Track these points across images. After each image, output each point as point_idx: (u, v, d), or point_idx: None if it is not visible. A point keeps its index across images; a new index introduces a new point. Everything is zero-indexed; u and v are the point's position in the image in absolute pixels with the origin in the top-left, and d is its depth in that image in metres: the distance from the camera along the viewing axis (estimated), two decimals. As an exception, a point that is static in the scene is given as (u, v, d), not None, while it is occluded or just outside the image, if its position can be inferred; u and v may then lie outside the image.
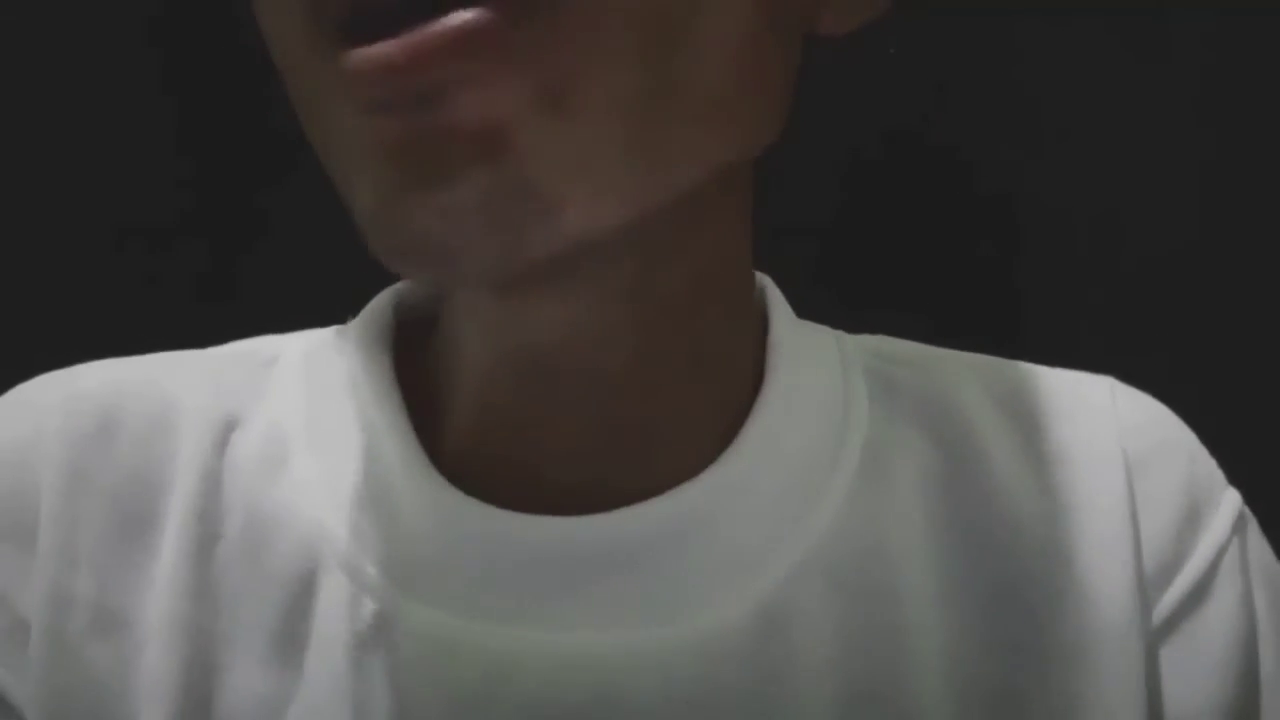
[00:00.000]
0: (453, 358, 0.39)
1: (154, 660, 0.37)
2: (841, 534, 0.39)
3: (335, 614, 0.37)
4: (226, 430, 0.40)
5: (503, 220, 0.29)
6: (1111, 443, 0.42)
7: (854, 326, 0.47)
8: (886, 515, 0.40)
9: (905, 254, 0.80)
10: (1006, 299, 0.81)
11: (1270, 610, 0.42)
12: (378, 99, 0.29)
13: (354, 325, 0.41)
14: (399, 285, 0.43)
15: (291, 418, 0.40)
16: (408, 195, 0.29)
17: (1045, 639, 0.39)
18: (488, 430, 0.38)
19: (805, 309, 0.45)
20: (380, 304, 0.42)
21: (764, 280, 0.43)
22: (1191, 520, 0.41)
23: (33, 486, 0.39)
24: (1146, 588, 0.40)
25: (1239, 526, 0.42)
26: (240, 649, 0.37)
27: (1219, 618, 0.41)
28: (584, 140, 0.29)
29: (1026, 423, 0.42)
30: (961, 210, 0.80)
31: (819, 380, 0.41)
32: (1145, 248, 0.80)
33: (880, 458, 0.41)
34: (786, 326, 0.41)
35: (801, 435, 0.40)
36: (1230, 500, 0.43)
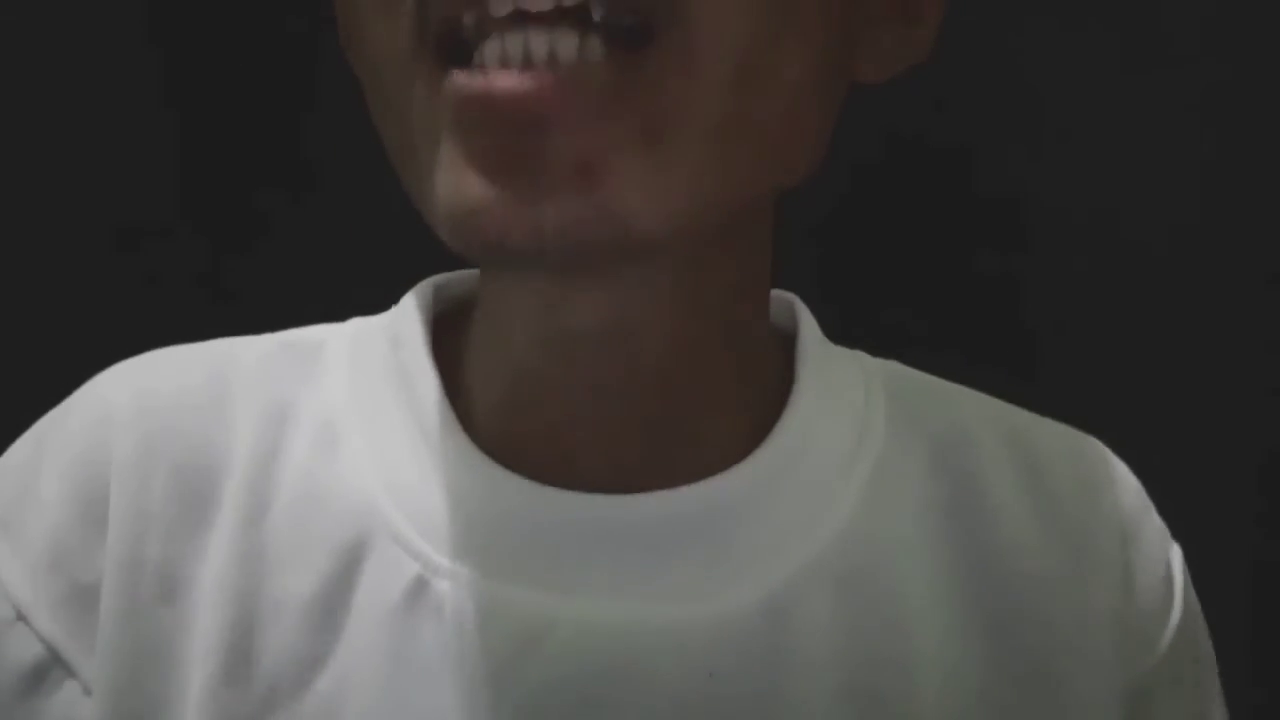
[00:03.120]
0: (493, 339, 0.41)
1: (204, 624, 0.40)
2: (851, 542, 0.41)
3: (379, 579, 0.40)
4: (280, 415, 0.42)
5: (586, 238, 0.32)
6: (1110, 500, 0.45)
7: (853, 327, 0.47)
8: (893, 529, 0.42)
9: (906, 255, 0.80)
10: (1006, 300, 0.81)
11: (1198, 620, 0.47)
12: (480, 125, 0.31)
13: (395, 310, 0.44)
14: (439, 276, 0.45)
15: (340, 400, 0.43)
16: (497, 205, 0.32)
17: (1035, 664, 0.42)
18: (525, 410, 0.40)
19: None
20: (422, 290, 0.45)
21: (793, 298, 0.46)
22: (1167, 581, 0.46)
23: (103, 462, 0.41)
24: (1133, 633, 0.44)
25: (1186, 577, 0.47)
26: (284, 611, 0.40)
27: (1196, 658, 0.46)
28: (668, 169, 0.32)
29: (1033, 470, 0.45)
30: (962, 211, 0.80)
31: (842, 397, 0.44)
32: (1146, 248, 0.80)
33: (891, 477, 0.43)
34: (815, 341, 0.44)
35: (824, 442, 0.42)
36: (1178, 555, 0.47)
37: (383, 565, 0.40)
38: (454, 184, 0.32)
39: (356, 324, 0.46)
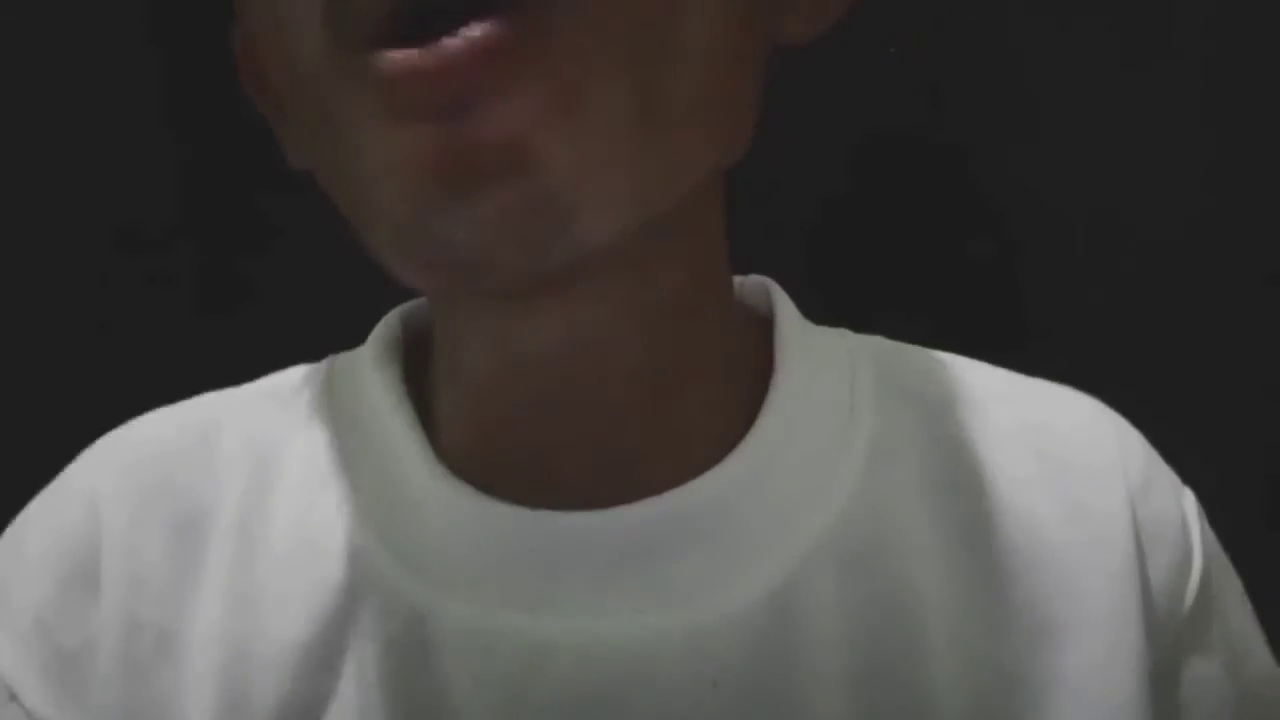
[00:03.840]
0: (454, 365, 0.40)
1: (198, 673, 0.39)
2: (850, 523, 0.41)
3: (374, 619, 0.39)
4: (266, 462, 0.43)
5: (526, 231, 0.31)
6: (1114, 459, 0.44)
7: (850, 327, 0.47)
8: (892, 507, 0.41)
9: (902, 254, 0.80)
10: (1005, 299, 0.81)
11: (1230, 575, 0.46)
12: (409, 105, 0.30)
13: (365, 347, 0.44)
14: (405, 305, 0.45)
15: (321, 444, 0.43)
16: (436, 208, 0.30)
17: (1047, 634, 0.41)
18: (497, 435, 0.40)
19: (800, 309, 0.45)
20: (389, 323, 0.44)
21: (768, 282, 0.45)
22: (1183, 532, 0.44)
23: (94, 535, 0.42)
24: (1156, 597, 0.42)
25: (1203, 521, 0.45)
26: (279, 657, 0.39)
27: (1224, 603, 0.44)
28: (593, 147, 0.31)
29: (1030, 431, 0.44)
30: (959, 210, 0.80)
31: (827, 376, 0.43)
32: (1144, 247, 0.80)
33: (886, 453, 0.42)
34: (793, 323, 0.43)
35: (811, 429, 0.41)
36: (1191, 501, 0.46)
37: (376, 605, 0.39)
38: (396, 203, 0.31)
39: (331, 362, 0.46)
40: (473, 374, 0.40)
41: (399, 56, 0.29)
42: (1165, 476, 0.45)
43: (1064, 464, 0.43)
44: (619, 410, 0.39)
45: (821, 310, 0.46)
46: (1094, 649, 0.41)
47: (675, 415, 0.40)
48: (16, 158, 0.79)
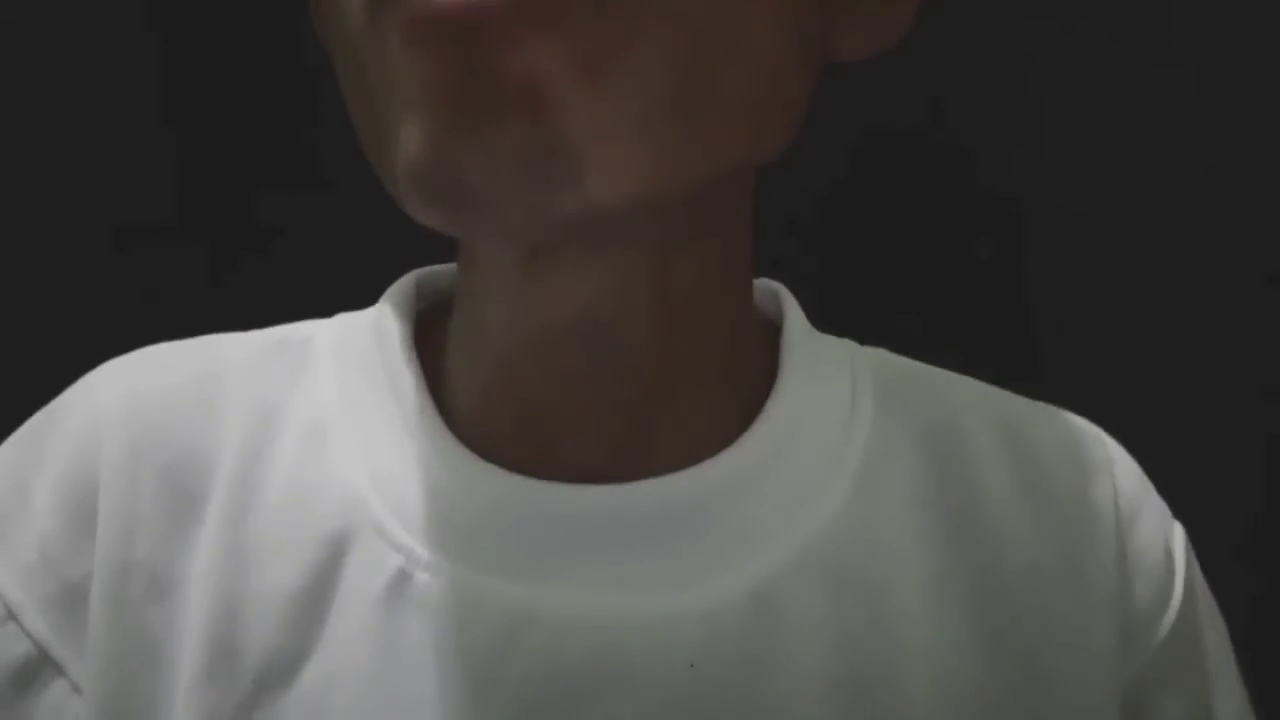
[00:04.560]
0: (473, 329, 0.41)
1: (191, 619, 0.40)
2: (839, 531, 0.41)
3: (362, 572, 0.40)
4: (268, 412, 0.43)
5: (535, 171, 0.31)
6: (1106, 489, 0.44)
7: (852, 327, 0.47)
8: (882, 518, 0.42)
9: (904, 254, 0.80)
10: (1007, 299, 0.81)
11: (1217, 625, 0.46)
12: (433, 34, 0.30)
13: (379, 304, 0.44)
14: (421, 270, 0.46)
15: (327, 398, 0.43)
16: (451, 138, 0.31)
17: (1026, 655, 0.41)
18: (505, 401, 0.40)
19: (803, 309, 0.45)
20: (403, 283, 0.45)
21: (777, 286, 0.46)
22: (1166, 565, 0.45)
23: (92, 465, 0.42)
24: (1135, 625, 0.43)
25: (1189, 556, 0.46)
26: (268, 605, 0.40)
27: (1200, 640, 0.45)
28: (613, 113, 0.31)
29: (1024, 458, 0.44)
30: (961, 211, 0.80)
31: (829, 381, 0.43)
32: (1146, 248, 0.80)
33: (880, 465, 0.43)
34: (801, 329, 0.44)
35: (811, 431, 0.42)
36: (1180, 535, 0.46)
37: (366, 558, 0.40)
38: (414, 126, 0.32)
39: (343, 319, 0.46)
40: (490, 337, 0.40)
41: (429, 3, 0.30)
42: (1155, 509, 0.45)
43: (1055, 494, 0.44)
44: (625, 389, 0.39)
45: (822, 309, 0.46)
46: (1071, 678, 0.41)
47: (681, 402, 0.40)
48: (16, 158, 0.79)
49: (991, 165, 0.79)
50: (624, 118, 0.31)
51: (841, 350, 0.45)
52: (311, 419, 0.42)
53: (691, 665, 0.39)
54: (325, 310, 0.47)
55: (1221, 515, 0.68)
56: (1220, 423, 0.79)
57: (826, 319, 0.46)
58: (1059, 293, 0.80)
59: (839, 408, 0.43)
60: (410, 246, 0.44)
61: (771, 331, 0.44)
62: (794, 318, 0.44)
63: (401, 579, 0.39)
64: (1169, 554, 0.45)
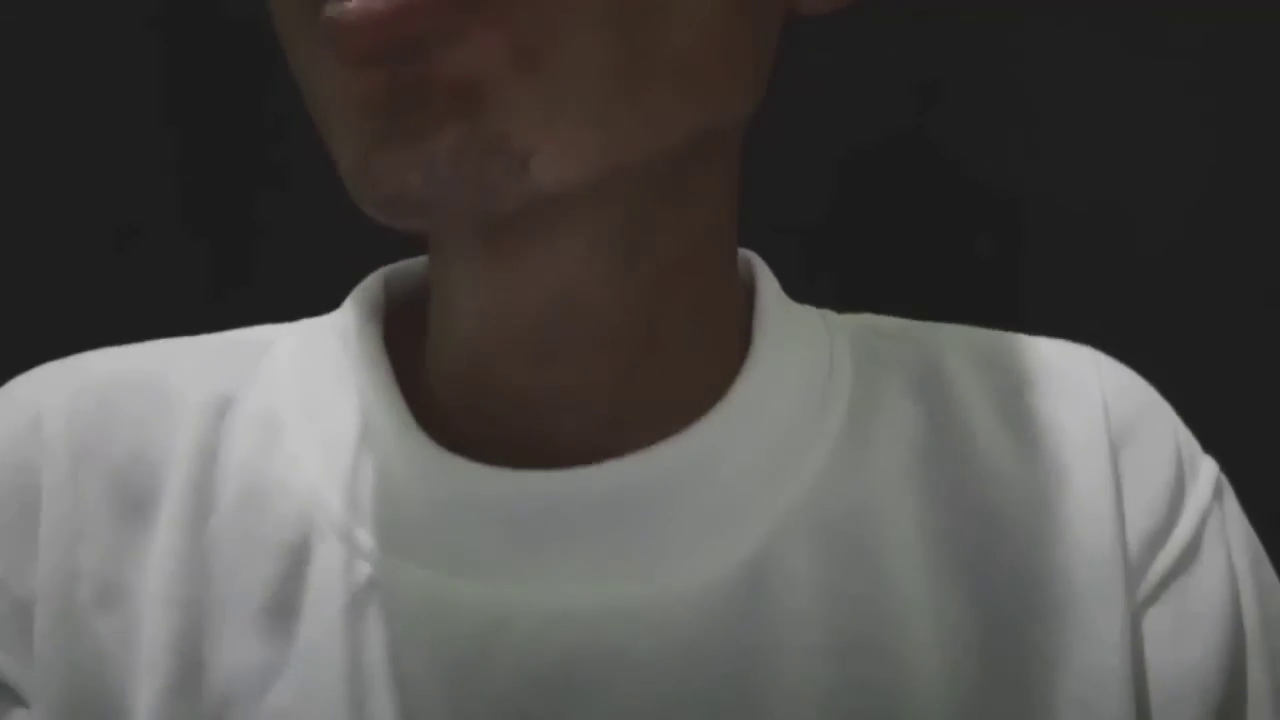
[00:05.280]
0: (444, 320, 0.39)
1: (151, 631, 0.38)
2: (825, 492, 0.40)
3: (329, 580, 0.38)
4: (222, 410, 0.41)
5: (476, 173, 0.30)
6: (1095, 412, 0.42)
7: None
8: (870, 475, 0.40)
9: (902, 252, 0.80)
10: (1005, 297, 0.81)
11: (1250, 574, 0.42)
12: (359, 51, 0.30)
13: (346, 302, 0.42)
14: (392, 266, 0.44)
15: (286, 396, 0.41)
16: (386, 149, 0.30)
17: (1026, 599, 0.39)
18: (477, 388, 0.38)
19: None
20: (371, 280, 0.43)
21: (750, 255, 0.44)
22: (1176, 489, 0.42)
23: (34, 470, 0.40)
24: (1131, 555, 0.41)
25: (1218, 492, 0.43)
26: (233, 618, 0.38)
27: (1205, 583, 0.41)
28: (554, 99, 0.30)
29: (1010, 391, 0.43)
30: (959, 209, 0.80)
31: (805, 346, 0.42)
32: (1144, 245, 0.80)
33: (864, 421, 0.41)
34: (774, 297, 0.42)
35: (787, 397, 0.40)
36: (1209, 468, 0.43)
37: (330, 565, 0.38)
38: (352, 140, 0.31)
39: (306, 323, 0.44)
40: (460, 324, 0.38)
41: (350, 3, 0.29)
42: (1161, 433, 0.43)
43: (1041, 423, 0.42)
44: (606, 368, 0.38)
45: (821, 305, 0.46)
46: (1073, 619, 0.39)
47: (657, 381, 0.38)
48: (16, 158, 0.79)
49: (989, 163, 0.79)
50: (566, 101, 0.30)
51: (815, 316, 0.44)
52: (267, 413, 0.40)
53: (683, 655, 0.37)
54: (326, 310, 0.47)
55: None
56: (1221, 420, 0.79)
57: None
58: (1056, 290, 0.80)
59: (816, 370, 0.42)
60: (413, 249, 0.44)
61: (748, 299, 0.42)
62: (766, 286, 0.42)
63: (370, 587, 0.37)
64: (1176, 481, 0.42)
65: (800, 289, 0.46)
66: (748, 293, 0.43)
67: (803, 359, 0.41)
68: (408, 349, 0.41)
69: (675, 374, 0.39)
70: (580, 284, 0.36)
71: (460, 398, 0.39)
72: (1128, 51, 0.78)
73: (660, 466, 0.37)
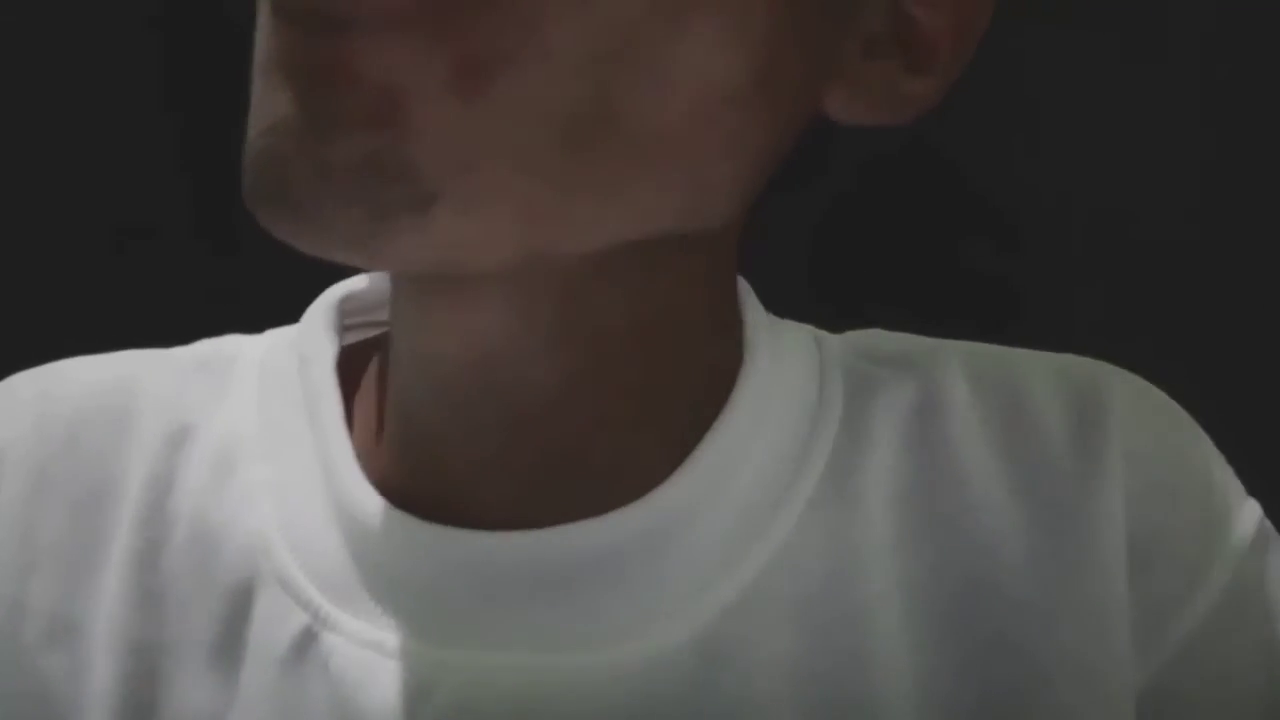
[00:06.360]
0: (392, 360, 0.37)
1: (100, 671, 0.37)
2: (800, 555, 0.36)
3: (269, 627, 0.36)
4: (180, 441, 0.39)
5: (371, 194, 0.27)
6: (1111, 452, 0.38)
7: (848, 327, 0.47)
8: (850, 532, 0.37)
9: (902, 254, 0.80)
10: (1003, 299, 0.81)
11: None
12: (292, 5, 0.26)
13: (303, 322, 0.40)
14: (350, 280, 0.41)
15: (244, 425, 0.39)
16: (280, 132, 0.27)
17: (1022, 671, 0.36)
18: (415, 442, 0.36)
19: (798, 310, 0.45)
20: (325, 302, 0.41)
21: (741, 286, 0.40)
22: (1205, 540, 0.38)
23: None
24: (1148, 616, 0.37)
25: (1258, 544, 0.38)
26: (182, 660, 0.37)
27: (1237, 644, 0.38)
28: (486, 139, 0.26)
29: (1014, 426, 0.38)
30: (958, 211, 0.80)
31: (787, 398, 0.38)
32: (1143, 247, 0.80)
33: (845, 479, 0.37)
34: (760, 348, 0.38)
35: (758, 459, 0.37)
36: (1248, 516, 0.39)
37: (271, 613, 0.36)
38: (256, 113, 0.27)
39: (273, 335, 0.42)
40: (398, 369, 0.36)
41: None
42: (1188, 473, 0.39)
43: (1048, 468, 0.38)
44: (533, 433, 0.35)
45: (821, 310, 0.46)
46: (1073, 692, 0.36)
47: (604, 444, 0.35)
48: (16, 157, 0.79)
49: (989, 165, 0.79)
50: (499, 145, 0.26)
51: (810, 347, 0.40)
52: (223, 446, 0.38)
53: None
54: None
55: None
56: (1221, 420, 0.79)
57: (822, 321, 0.46)
58: (1056, 294, 0.80)
59: (798, 426, 0.38)
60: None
61: (735, 351, 0.38)
62: (754, 318, 0.38)
63: (307, 638, 0.36)
64: (1208, 530, 0.38)
65: (799, 294, 0.46)
66: (735, 343, 0.38)
67: (783, 415, 0.38)
68: (357, 379, 0.39)
69: (624, 443, 0.36)
70: (509, 352, 0.34)
71: (398, 448, 0.37)
72: (1129, 55, 0.78)
73: (608, 536, 0.35)
